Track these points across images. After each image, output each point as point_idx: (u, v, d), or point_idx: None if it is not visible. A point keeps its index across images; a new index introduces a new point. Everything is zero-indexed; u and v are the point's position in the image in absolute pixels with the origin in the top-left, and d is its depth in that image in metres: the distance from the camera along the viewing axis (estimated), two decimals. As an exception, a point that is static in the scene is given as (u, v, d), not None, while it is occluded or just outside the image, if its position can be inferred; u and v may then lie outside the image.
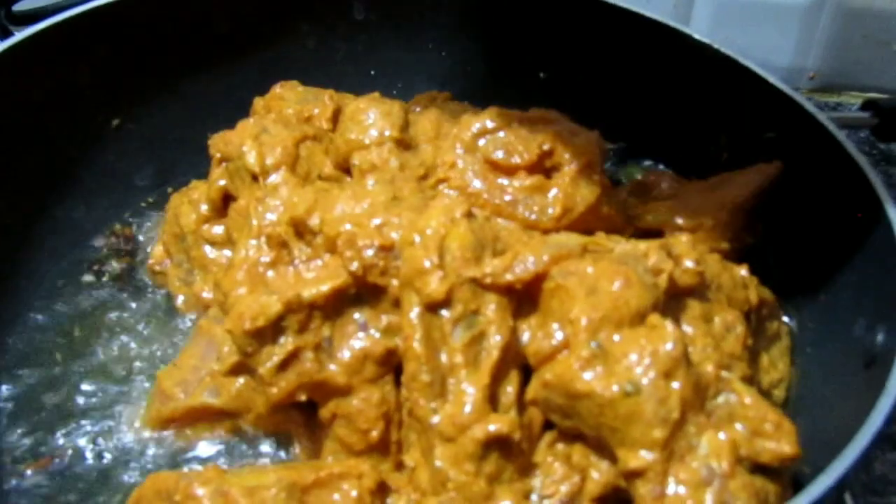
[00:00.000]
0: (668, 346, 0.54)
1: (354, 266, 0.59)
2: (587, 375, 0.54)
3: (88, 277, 0.79)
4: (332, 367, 0.60)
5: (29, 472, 0.65)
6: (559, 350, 0.56)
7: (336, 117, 0.77)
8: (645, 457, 0.52)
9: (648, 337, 0.54)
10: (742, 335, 0.61)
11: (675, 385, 0.53)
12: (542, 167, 0.68)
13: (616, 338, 0.55)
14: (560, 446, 0.57)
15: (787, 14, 1.11)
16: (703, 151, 0.85)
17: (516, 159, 0.67)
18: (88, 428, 0.68)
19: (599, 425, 0.54)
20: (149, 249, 0.81)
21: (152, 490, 0.58)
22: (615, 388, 0.53)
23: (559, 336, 0.56)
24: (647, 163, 0.90)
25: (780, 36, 1.14)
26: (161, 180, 0.87)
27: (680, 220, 0.72)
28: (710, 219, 0.71)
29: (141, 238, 0.83)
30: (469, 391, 0.56)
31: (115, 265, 0.80)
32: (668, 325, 0.55)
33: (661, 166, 0.90)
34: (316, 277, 0.60)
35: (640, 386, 0.53)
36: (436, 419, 0.56)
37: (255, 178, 0.71)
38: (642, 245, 0.61)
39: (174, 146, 0.86)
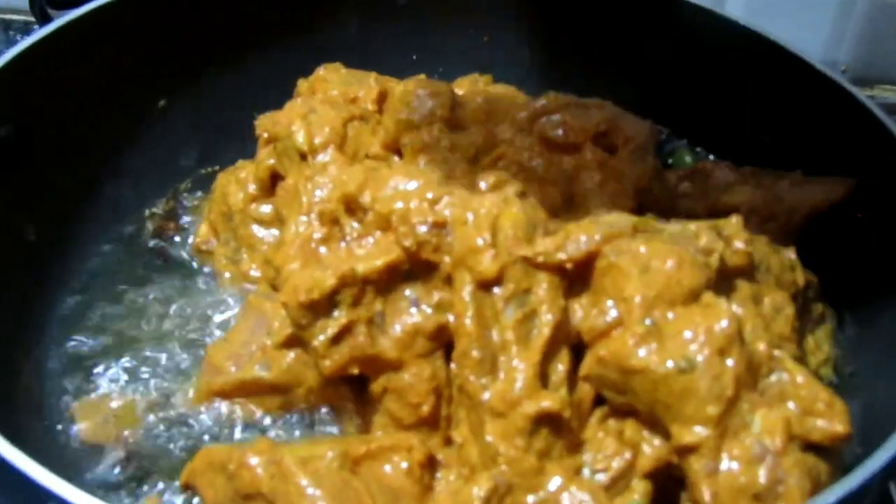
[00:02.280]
0: (723, 323, 0.54)
1: (408, 242, 0.60)
2: (641, 352, 0.54)
3: (134, 255, 0.81)
4: (384, 341, 0.61)
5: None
6: (613, 327, 0.56)
7: (381, 99, 0.78)
8: (699, 432, 0.53)
9: (703, 315, 0.55)
10: (791, 316, 0.61)
11: (730, 362, 0.54)
12: (598, 147, 0.70)
13: (670, 315, 0.55)
14: (612, 422, 0.58)
15: (820, 6, 1.11)
16: (749, 140, 0.85)
17: (573, 138, 0.69)
18: (138, 399, 0.68)
19: (653, 401, 0.55)
20: (193, 229, 0.82)
21: (205, 462, 0.59)
22: (670, 364, 0.54)
23: (613, 313, 0.56)
24: (698, 150, 0.91)
25: (813, 29, 1.13)
26: (205, 161, 0.88)
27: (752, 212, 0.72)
28: (783, 219, 0.72)
29: (186, 217, 0.84)
30: (520, 368, 0.57)
31: (159, 243, 0.81)
32: (723, 304, 0.55)
33: (711, 156, 0.89)
34: (369, 253, 0.61)
35: (694, 362, 0.53)
36: (486, 395, 0.57)
37: (303, 157, 0.72)
38: (692, 226, 0.62)
39: (218, 128, 0.87)
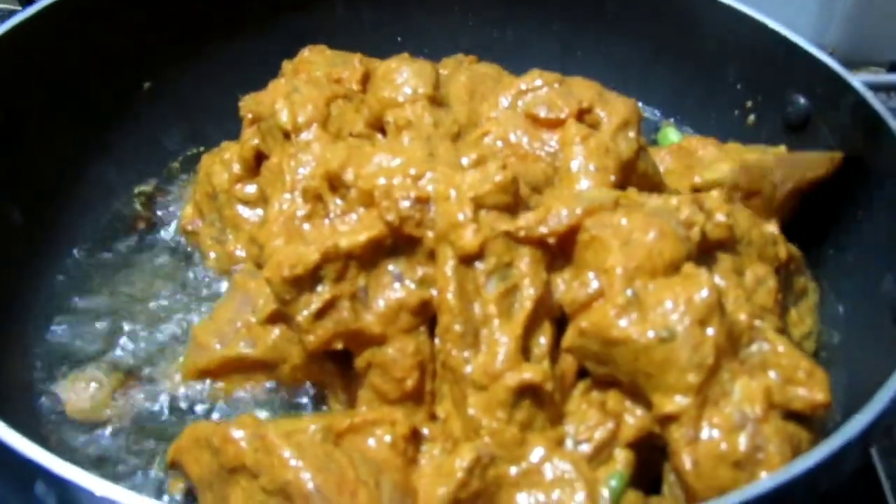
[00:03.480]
0: (703, 293, 0.55)
1: (391, 217, 0.60)
2: (623, 322, 0.55)
3: (120, 236, 0.81)
4: (368, 316, 0.61)
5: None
6: (595, 298, 0.57)
7: (365, 80, 0.79)
8: (679, 402, 0.53)
9: (683, 285, 0.56)
10: (773, 289, 0.62)
11: (710, 331, 0.54)
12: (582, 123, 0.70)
13: (651, 286, 0.56)
14: (594, 394, 0.59)
15: (807, -11, 1.11)
16: (730, 116, 0.85)
17: (557, 114, 0.69)
18: (125, 377, 0.69)
19: (634, 371, 0.55)
20: (178, 210, 0.83)
21: (191, 439, 0.60)
22: (650, 334, 0.54)
23: (595, 285, 0.57)
24: (684, 129, 0.91)
25: (800, 11, 1.13)
26: (190, 142, 0.88)
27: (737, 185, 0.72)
28: (768, 194, 0.72)
29: (172, 198, 0.84)
30: (502, 341, 0.57)
31: (144, 224, 0.82)
32: (703, 274, 0.56)
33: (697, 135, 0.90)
34: (352, 229, 0.62)
35: (674, 332, 0.54)
36: (469, 368, 0.57)
37: (287, 136, 0.73)
38: (673, 199, 0.63)
39: (203, 109, 0.88)
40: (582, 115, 0.70)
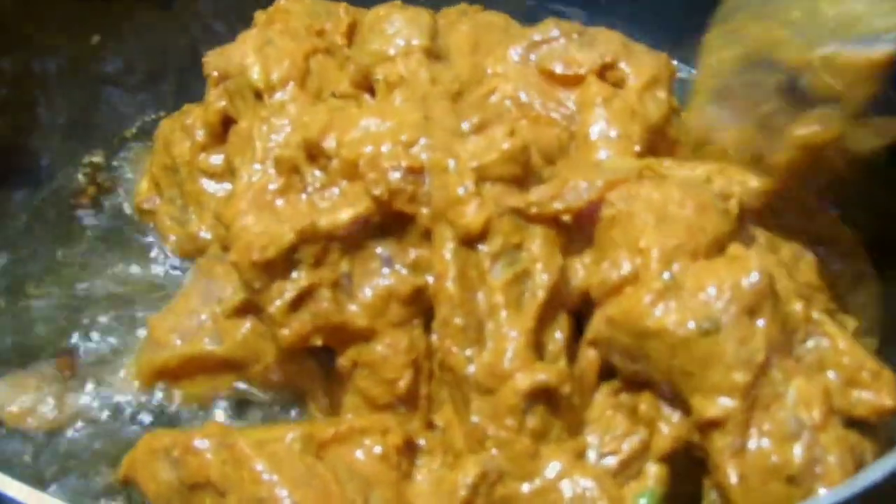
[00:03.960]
0: (753, 277, 0.52)
1: (378, 191, 0.58)
2: (659, 311, 0.53)
3: (66, 213, 0.79)
4: (352, 307, 0.59)
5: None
6: (627, 283, 0.55)
7: (351, 32, 0.76)
8: (724, 404, 0.51)
9: (729, 268, 0.53)
10: (813, 262, 0.60)
11: (760, 323, 0.52)
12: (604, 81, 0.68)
13: (692, 269, 0.54)
14: (622, 397, 0.56)
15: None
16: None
17: (575, 70, 0.68)
18: (69, 380, 0.66)
19: (671, 369, 0.53)
20: (132, 185, 0.80)
21: (147, 451, 0.57)
22: (691, 325, 0.52)
23: (627, 267, 0.55)
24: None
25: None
26: (147, 106, 0.86)
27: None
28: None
29: (126, 170, 0.82)
30: (511, 336, 0.55)
31: (90, 201, 0.79)
32: (752, 255, 0.54)
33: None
34: (333, 205, 0.59)
35: (719, 323, 0.52)
36: (471, 369, 0.55)
37: (258, 96, 0.70)
38: (700, 169, 0.61)
39: (161, 67, 0.85)
40: (604, 71, 0.68)
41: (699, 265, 0.54)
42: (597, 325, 0.56)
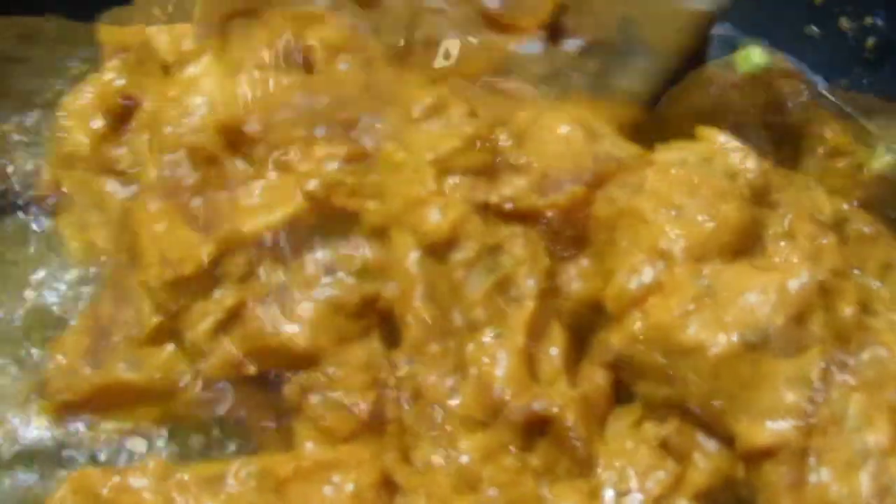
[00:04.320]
0: (803, 277, 0.49)
1: (312, 185, 0.54)
2: (693, 323, 0.49)
3: None
4: (290, 326, 0.54)
5: None
6: (651, 292, 0.50)
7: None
8: (777, 429, 0.47)
9: (769, 268, 0.50)
10: (833, 242, 0.55)
11: (812, 331, 0.49)
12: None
13: (725, 271, 0.50)
14: (648, 426, 0.52)
15: None
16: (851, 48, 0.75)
17: (521, 14, 0.60)
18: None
19: (711, 391, 0.49)
20: (33, 176, 0.70)
21: (73, 491, 0.54)
22: (734, 337, 0.48)
23: (649, 274, 0.51)
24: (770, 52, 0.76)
25: None
26: (41, 83, 0.75)
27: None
28: None
29: (23, 161, 0.72)
30: (499, 357, 0.51)
31: None
32: (796, 252, 0.50)
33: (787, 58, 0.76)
34: (260, 204, 0.55)
35: (765, 334, 0.48)
36: (455, 401, 0.51)
37: (166, 70, 0.64)
38: (695, 148, 0.56)
39: (52, 35, 0.75)
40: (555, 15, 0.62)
41: (733, 267, 0.50)
42: (616, 343, 0.51)
